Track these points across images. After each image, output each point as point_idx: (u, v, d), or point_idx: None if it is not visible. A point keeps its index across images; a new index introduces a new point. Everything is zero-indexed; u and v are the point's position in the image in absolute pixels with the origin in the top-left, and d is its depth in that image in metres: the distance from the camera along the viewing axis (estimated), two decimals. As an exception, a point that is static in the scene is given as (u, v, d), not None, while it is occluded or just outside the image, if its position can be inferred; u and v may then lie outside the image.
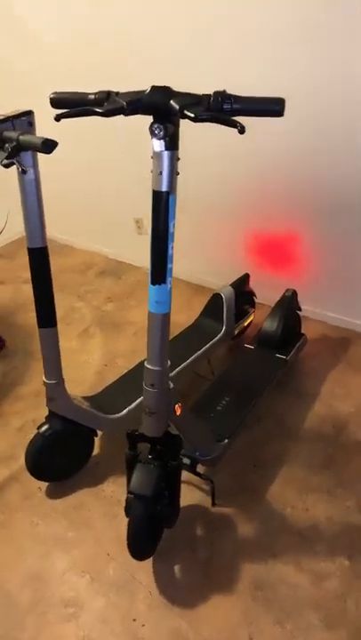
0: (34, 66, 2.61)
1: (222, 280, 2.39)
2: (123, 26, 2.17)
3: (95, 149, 2.65)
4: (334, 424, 1.85)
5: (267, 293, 2.37)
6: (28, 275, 1.43)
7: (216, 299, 2.04)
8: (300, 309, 2.08)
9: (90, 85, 1.15)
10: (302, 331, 2.13)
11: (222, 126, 0.92)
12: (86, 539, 1.56)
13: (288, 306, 1.97)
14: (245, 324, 2.20)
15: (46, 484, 1.74)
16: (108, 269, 3.02)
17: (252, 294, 2.22)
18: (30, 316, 2.61)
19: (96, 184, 2.82)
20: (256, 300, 2.31)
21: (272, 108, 0.92)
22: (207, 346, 1.97)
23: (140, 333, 2.45)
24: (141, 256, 2.87)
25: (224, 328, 2.01)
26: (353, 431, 1.82)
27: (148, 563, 1.47)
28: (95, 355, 2.36)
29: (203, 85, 1.00)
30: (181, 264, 2.76)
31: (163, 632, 1.32)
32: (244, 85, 1.03)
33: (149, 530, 1.34)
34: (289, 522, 1.54)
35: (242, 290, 2.11)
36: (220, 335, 2.00)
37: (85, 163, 2.77)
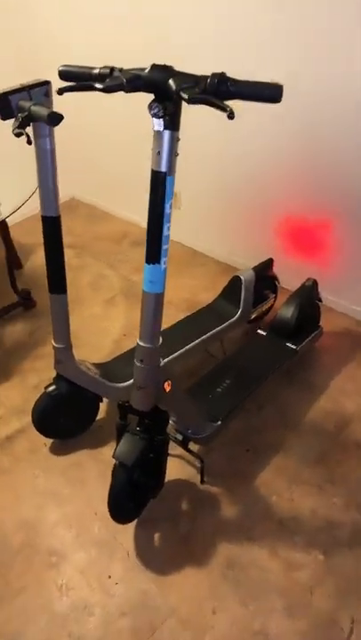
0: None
1: (251, 261, 2.36)
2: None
3: (139, 121, 2.64)
4: (337, 420, 1.82)
5: (293, 280, 2.32)
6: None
7: (235, 281, 2.02)
8: (320, 300, 2.03)
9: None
10: (323, 322, 2.08)
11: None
12: (79, 496, 1.65)
13: (306, 295, 1.92)
14: (264, 308, 2.18)
15: (51, 440, 1.84)
16: (141, 240, 3.01)
17: (274, 279, 2.18)
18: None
19: (138, 156, 2.82)
20: (281, 286, 2.27)
21: (269, 93, 0.89)
22: (221, 327, 1.97)
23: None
24: (177, 230, 2.86)
25: (240, 311, 2.00)
26: (354, 430, 1.78)
27: (131, 527, 1.54)
28: (116, 323, 2.42)
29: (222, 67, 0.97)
30: (212, 242, 2.76)
31: (133, 592, 1.40)
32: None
33: (128, 495, 1.41)
34: (273, 509, 1.56)
35: (264, 274, 2.08)
36: (235, 318, 1.99)
37: (130, 134, 2.77)
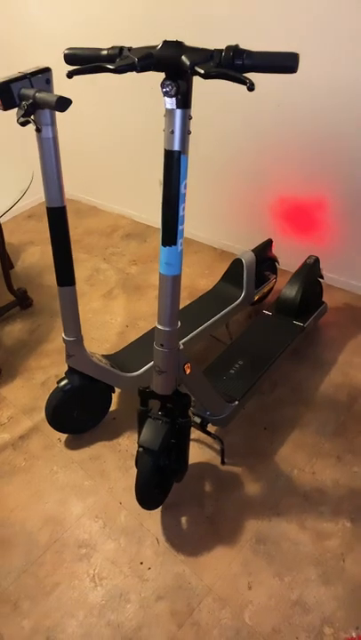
0: (59, 24, 2.58)
1: (246, 245, 2.37)
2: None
3: (123, 110, 2.62)
4: (349, 392, 1.85)
5: (292, 260, 2.34)
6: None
7: (237, 264, 2.03)
8: (322, 277, 2.05)
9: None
10: (325, 299, 2.11)
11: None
12: (101, 488, 1.65)
13: (309, 273, 1.94)
14: (266, 290, 2.19)
15: (65, 435, 1.83)
16: (134, 232, 3.04)
17: (274, 260, 2.19)
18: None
19: (123, 146, 2.80)
20: (279, 267, 2.29)
21: (286, 63, 0.89)
22: (226, 310, 1.98)
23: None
24: (167, 219, 2.86)
25: (243, 293, 2.01)
26: (368, 400, 1.82)
27: (157, 513, 1.55)
28: (118, 316, 2.41)
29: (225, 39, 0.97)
30: (206, 229, 2.77)
31: (167, 575, 1.40)
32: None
33: (155, 482, 1.41)
34: (295, 483, 1.58)
35: (264, 256, 2.09)
36: (239, 300, 2.01)
37: (113, 124, 2.74)
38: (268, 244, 2.13)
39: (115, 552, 1.47)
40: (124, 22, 2.30)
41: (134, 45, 1.04)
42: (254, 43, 1.00)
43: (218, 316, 1.97)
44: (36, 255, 2.96)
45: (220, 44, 0.94)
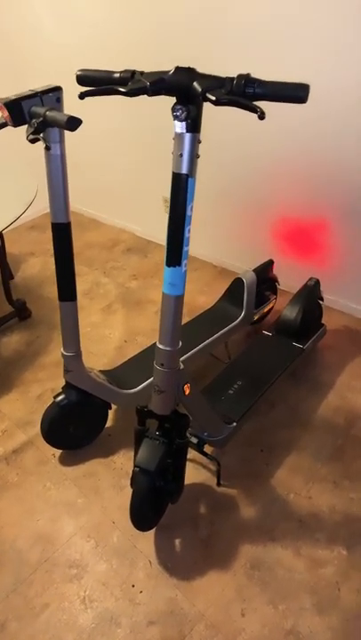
0: (70, 42, 2.62)
1: (247, 264, 2.38)
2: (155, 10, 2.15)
3: (127, 127, 2.65)
4: (347, 416, 1.84)
5: (291, 280, 2.35)
6: (52, 250, 1.46)
7: (237, 283, 2.04)
8: (322, 299, 2.06)
9: (121, 66, 1.16)
10: (324, 321, 2.11)
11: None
12: (94, 506, 1.63)
13: (309, 295, 1.95)
14: (266, 310, 2.20)
15: (60, 451, 1.81)
16: (135, 247, 3.04)
17: (274, 281, 2.20)
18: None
19: (127, 161, 2.82)
20: (279, 287, 2.29)
21: (296, 94, 0.90)
22: (225, 329, 1.98)
23: (161, 313, 2.47)
24: (169, 235, 2.88)
25: (243, 313, 2.01)
26: (365, 425, 1.81)
27: (150, 534, 1.52)
28: (116, 330, 2.40)
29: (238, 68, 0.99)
30: (206, 246, 2.78)
31: (159, 600, 1.38)
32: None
33: (151, 502, 1.39)
34: (291, 508, 1.56)
35: (264, 276, 2.10)
36: (238, 319, 2.01)
37: (118, 139, 2.77)
38: (269, 264, 2.14)
39: (106, 573, 1.45)
40: (136, 46, 2.33)
41: (143, 67, 1.06)
42: (263, 68, 1.01)
43: (217, 334, 1.97)
44: (36, 266, 2.96)
45: (230, 71, 0.95)
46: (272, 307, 2.26)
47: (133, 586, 1.41)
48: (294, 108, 1.93)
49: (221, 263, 2.75)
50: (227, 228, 2.58)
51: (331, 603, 1.33)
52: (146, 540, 1.51)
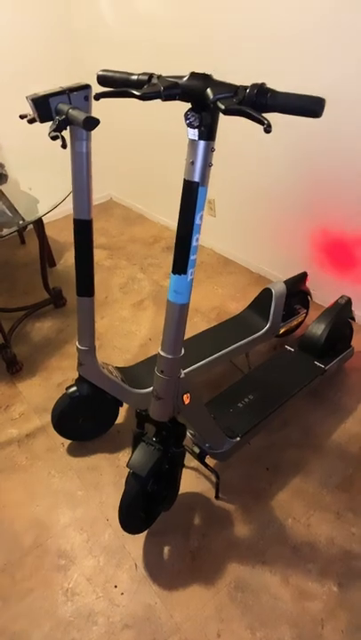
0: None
1: (283, 272, 2.31)
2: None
3: (178, 128, 2.63)
4: (363, 445, 1.75)
5: (326, 295, 2.26)
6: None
7: (266, 293, 1.98)
8: (353, 318, 1.96)
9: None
10: (354, 342, 2.01)
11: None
12: (92, 500, 1.65)
13: (338, 313, 1.86)
14: (294, 323, 2.12)
15: (69, 441, 1.85)
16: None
17: (307, 294, 2.12)
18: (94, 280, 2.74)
19: (175, 160, 2.81)
20: (313, 301, 2.21)
21: (311, 107, 0.85)
22: (248, 339, 1.93)
23: (189, 315, 2.45)
24: (210, 237, 2.84)
25: (268, 324, 1.95)
26: (381, 457, 1.71)
27: (141, 537, 1.52)
28: (143, 327, 2.41)
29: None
30: (245, 250, 2.72)
31: (138, 604, 1.37)
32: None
33: (140, 506, 1.38)
34: (287, 533, 1.50)
35: (296, 288, 2.02)
36: (262, 331, 1.95)
37: (167, 139, 2.76)
38: (303, 276, 2.06)
39: (92, 569, 1.46)
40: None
41: (171, 72, 1.04)
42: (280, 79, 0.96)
43: (239, 343, 1.92)
44: (77, 256, 3.02)
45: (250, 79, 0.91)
46: (302, 321, 2.17)
47: (116, 586, 1.42)
48: (341, 117, 1.84)
49: (259, 270, 2.69)
50: (267, 234, 2.51)
51: (312, 639, 1.27)
52: (135, 543, 1.51)
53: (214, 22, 2.16)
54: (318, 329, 1.82)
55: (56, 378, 2.16)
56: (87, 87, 1.24)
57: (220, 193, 2.62)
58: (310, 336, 1.84)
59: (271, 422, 1.72)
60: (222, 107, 0.86)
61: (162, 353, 1.24)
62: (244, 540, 1.50)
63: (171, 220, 3.16)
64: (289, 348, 1.91)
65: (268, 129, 0.82)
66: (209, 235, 2.82)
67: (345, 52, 1.75)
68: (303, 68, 1.90)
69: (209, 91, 0.90)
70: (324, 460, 1.70)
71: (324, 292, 2.27)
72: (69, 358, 2.26)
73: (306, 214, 2.25)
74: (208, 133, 0.97)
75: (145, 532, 1.52)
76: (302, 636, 1.28)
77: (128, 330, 2.40)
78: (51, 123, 1.18)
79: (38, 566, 1.48)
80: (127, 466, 1.35)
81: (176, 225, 1.07)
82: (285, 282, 1.99)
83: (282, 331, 2.05)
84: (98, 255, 2.93)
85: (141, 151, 3.09)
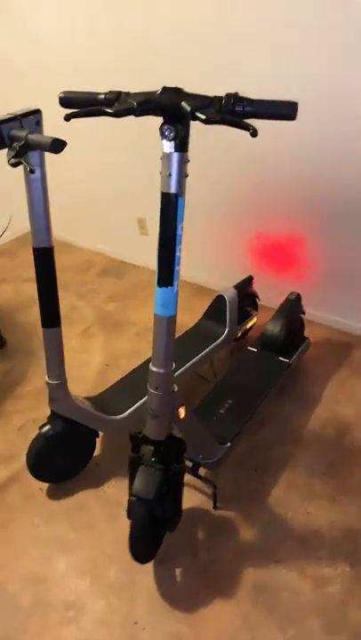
0: (39, 65, 2.60)
1: (225, 282, 2.37)
2: (129, 25, 2.17)
3: (100, 148, 2.64)
4: (337, 428, 1.84)
5: (270, 296, 2.36)
6: (29, 273, 1.43)
7: (219, 300, 2.03)
8: (303, 313, 2.07)
9: (97, 86, 1.15)
10: (306, 334, 2.12)
11: (229, 128, 0.91)
12: (87, 540, 1.55)
13: (292, 309, 1.96)
14: (248, 326, 2.19)
15: (47, 484, 1.73)
16: (110, 269, 3.01)
17: (255, 296, 2.21)
18: (31, 315, 2.61)
19: (99, 183, 2.80)
20: (259, 303, 2.30)
21: (285, 111, 0.91)
22: (210, 347, 1.97)
23: (142, 334, 2.44)
24: (144, 256, 2.86)
25: (227, 330, 2.00)
26: (356, 437, 1.81)
27: (149, 566, 1.46)
28: (96, 354, 2.35)
29: (215, 87, 1.00)
30: (183, 264, 2.76)
31: (163, 636, 1.31)
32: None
33: (151, 532, 1.34)
34: (291, 527, 1.53)
35: (245, 292, 2.10)
36: (222, 337, 1.99)
37: (89, 161, 2.75)
38: (249, 280, 2.15)
39: (105, 612, 1.37)
40: (117, 66, 2.34)
41: (125, 88, 1.05)
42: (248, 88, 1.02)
43: (203, 352, 1.95)
44: (8, 293, 2.87)
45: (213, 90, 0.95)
46: (254, 322, 2.26)
47: (136, 623, 1.34)
48: (266, 124, 1.97)
49: (199, 281, 2.75)
50: (201, 246, 2.59)
51: (339, 622, 1.30)
52: (145, 573, 1.45)
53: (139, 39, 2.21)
54: (277, 326, 1.91)
55: (15, 422, 2.02)
56: (37, 112, 1.22)
57: (151, 211, 2.65)
58: (270, 334, 1.91)
59: (251, 424, 1.75)
60: (203, 117, 0.89)
61: (154, 369, 1.22)
62: (252, 544, 1.50)
63: (102, 244, 3.13)
64: (252, 348, 1.97)
65: (254, 133, 0.87)
66: (142, 254, 2.83)
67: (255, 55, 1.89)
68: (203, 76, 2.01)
69: (184, 103, 0.93)
70: (306, 451, 1.76)
71: (268, 293, 2.38)
72: (24, 399, 2.13)
73: (239, 223, 2.36)
74: (182, 145, 1.00)
75: (152, 561, 1.47)
76: (330, 621, 1.31)
77: (81, 360, 2.32)
78: (7, 151, 1.14)
79: (44, 625, 1.36)
80: (131, 493, 1.30)
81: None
82: (235, 287, 2.07)
83: (239, 334, 2.11)
84: (29, 290, 2.81)
85: (62, 179, 3.03)
